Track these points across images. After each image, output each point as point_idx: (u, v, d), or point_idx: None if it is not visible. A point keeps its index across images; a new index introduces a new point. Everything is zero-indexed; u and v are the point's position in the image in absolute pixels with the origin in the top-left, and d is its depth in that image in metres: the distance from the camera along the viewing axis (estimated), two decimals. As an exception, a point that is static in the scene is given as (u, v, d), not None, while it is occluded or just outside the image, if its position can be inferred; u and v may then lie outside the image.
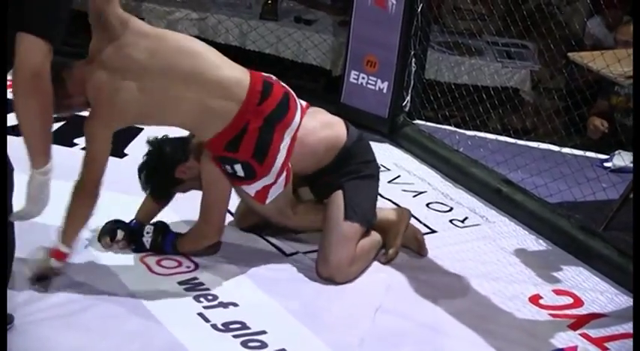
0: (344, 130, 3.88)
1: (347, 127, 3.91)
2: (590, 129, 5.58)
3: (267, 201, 3.76)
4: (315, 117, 3.85)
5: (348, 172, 3.82)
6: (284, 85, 3.79)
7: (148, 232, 3.82)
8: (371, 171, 3.93)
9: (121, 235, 3.82)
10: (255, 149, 3.61)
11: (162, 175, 3.85)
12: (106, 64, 3.49)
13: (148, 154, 3.90)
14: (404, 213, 4.08)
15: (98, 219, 3.94)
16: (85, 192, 3.51)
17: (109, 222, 3.87)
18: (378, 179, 3.99)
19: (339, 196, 3.80)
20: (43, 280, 3.47)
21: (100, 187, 3.53)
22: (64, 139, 4.82)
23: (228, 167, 3.67)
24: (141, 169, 3.90)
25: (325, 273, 3.76)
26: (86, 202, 3.51)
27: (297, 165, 3.76)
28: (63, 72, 3.47)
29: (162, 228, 3.85)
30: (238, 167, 3.65)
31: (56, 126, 4.84)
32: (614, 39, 5.59)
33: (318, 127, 3.82)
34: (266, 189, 3.72)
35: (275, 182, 3.71)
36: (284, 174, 3.71)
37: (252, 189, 3.73)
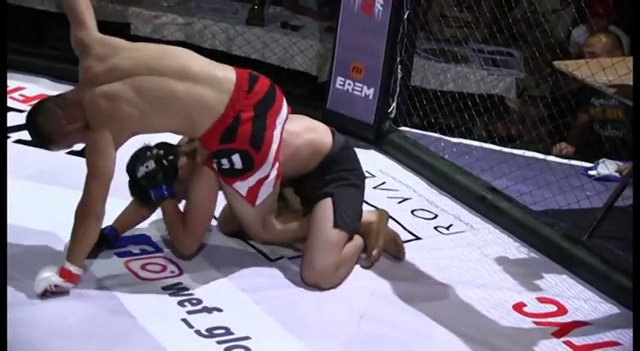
0: (329, 136, 3.90)
1: (332, 133, 3.92)
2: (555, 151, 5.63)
3: (257, 202, 3.73)
4: (298, 121, 3.88)
5: (334, 179, 3.83)
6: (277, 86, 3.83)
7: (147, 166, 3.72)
8: (357, 179, 3.94)
9: None
10: (251, 137, 3.62)
11: (172, 176, 3.79)
12: (97, 80, 3.55)
13: (158, 158, 3.76)
14: (381, 214, 4.11)
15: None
16: (92, 213, 3.51)
17: None
18: (363, 188, 4.00)
19: (327, 204, 3.80)
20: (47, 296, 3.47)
21: (104, 205, 3.54)
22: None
23: (225, 162, 3.64)
24: (153, 176, 3.76)
25: (310, 279, 3.75)
26: (93, 222, 3.51)
27: (283, 168, 3.76)
28: (57, 103, 3.59)
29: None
30: (236, 158, 3.63)
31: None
32: (584, 51, 5.62)
33: (301, 130, 3.84)
34: (258, 185, 3.69)
35: (267, 177, 3.69)
36: (275, 169, 3.70)
37: (245, 185, 3.69)
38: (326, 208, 3.80)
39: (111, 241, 3.83)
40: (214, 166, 3.70)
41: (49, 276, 3.44)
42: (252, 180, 3.70)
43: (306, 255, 3.80)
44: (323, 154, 3.85)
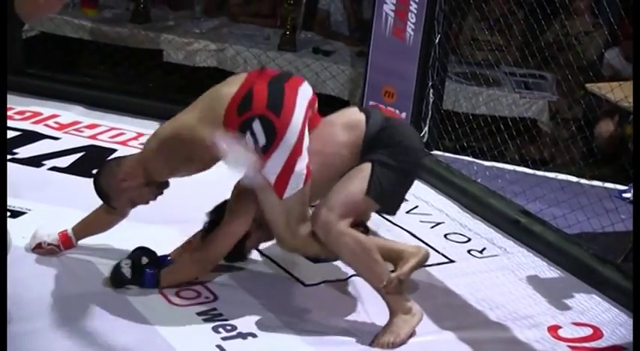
0: (363, 126, 3.73)
1: (367, 117, 3.76)
2: (598, 134, 5.57)
3: (285, 194, 3.59)
4: (333, 122, 3.79)
5: (376, 154, 3.67)
6: None
7: (127, 264, 3.77)
8: (398, 161, 3.67)
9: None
10: (268, 100, 3.56)
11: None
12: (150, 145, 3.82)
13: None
14: (422, 250, 3.91)
15: (112, 247, 3.99)
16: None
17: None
18: (409, 169, 3.77)
19: (365, 166, 3.65)
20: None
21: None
22: (83, 170, 4.84)
23: (249, 136, 3.55)
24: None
25: (312, 221, 3.65)
26: (113, 216, 3.92)
27: (324, 176, 3.66)
28: (118, 162, 3.87)
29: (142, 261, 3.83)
30: (257, 127, 3.53)
31: (76, 157, 4.93)
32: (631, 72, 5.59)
33: (337, 132, 3.74)
34: (287, 173, 3.56)
35: (294, 165, 3.56)
36: (303, 168, 3.58)
37: (274, 170, 3.56)
38: (363, 169, 3.65)
39: (145, 282, 3.80)
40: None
41: (49, 234, 3.94)
42: (279, 162, 3.55)
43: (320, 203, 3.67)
44: (360, 146, 3.71)
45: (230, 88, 3.64)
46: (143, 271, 3.78)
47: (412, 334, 3.62)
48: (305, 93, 3.68)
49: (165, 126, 3.79)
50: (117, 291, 3.72)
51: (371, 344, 3.58)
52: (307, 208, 3.71)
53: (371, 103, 5.40)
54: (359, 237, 3.63)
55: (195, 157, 3.67)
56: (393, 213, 3.92)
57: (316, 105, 3.77)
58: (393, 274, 3.68)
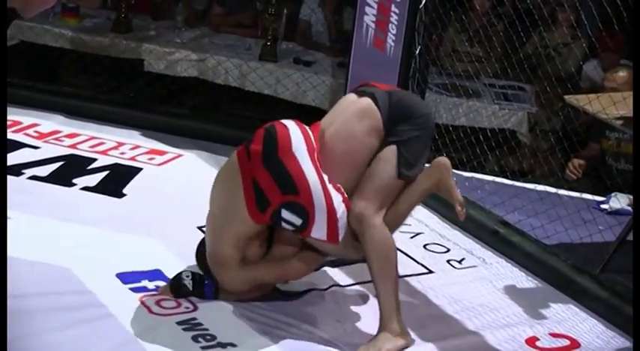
0: (375, 109, 3.72)
1: (374, 100, 3.75)
2: (567, 170, 5.63)
3: (340, 237, 3.64)
4: (342, 117, 3.77)
5: (397, 132, 3.70)
6: (276, 122, 3.75)
7: (187, 276, 3.83)
8: (416, 130, 3.70)
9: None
10: (279, 187, 3.58)
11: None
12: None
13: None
14: (441, 167, 3.77)
15: (95, 258, 3.99)
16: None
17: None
18: (428, 131, 3.78)
19: (390, 151, 3.68)
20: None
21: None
22: (63, 179, 4.84)
23: (285, 224, 3.62)
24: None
25: (351, 215, 3.65)
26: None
27: (357, 172, 3.69)
28: None
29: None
30: (287, 214, 3.59)
31: (55, 166, 4.92)
32: (602, 85, 5.65)
33: (354, 125, 3.72)
34: (333, 225, 3.61)
35: (336, 213, 3.59)
36: (340, 202, 3.61)
37: (321, 232, 3.62)
38: (388, 153, 3.67)
39: (205, 293, 3.83)
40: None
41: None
42: (322, 223, 3.61)
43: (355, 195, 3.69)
44: (381, 129, 3.71)
45: (233, 185, 3.65)
46: (203, 282, 3.81)
47: None
48: (297, 143, 3.62)
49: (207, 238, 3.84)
50: (94, 301, 3.71)
51: None
52: None
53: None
54: (388, 236, 3.66)
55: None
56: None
57: (307, 127, 3.75)
58: (458, 206, 3.74)
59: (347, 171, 3.69)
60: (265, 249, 3.82)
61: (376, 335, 3.64)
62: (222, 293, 3.82)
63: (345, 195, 3.65)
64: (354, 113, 3.74)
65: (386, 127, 3.70)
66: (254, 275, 3.79)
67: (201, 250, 3.89)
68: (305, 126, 3.73)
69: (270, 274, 3.83)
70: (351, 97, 3.85)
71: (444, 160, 3.76)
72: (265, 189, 3.59)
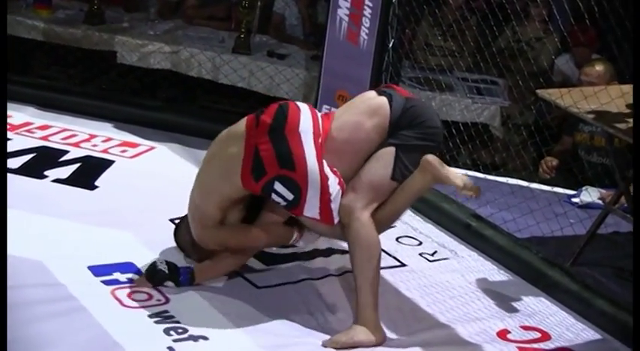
0: (387, 109, 3.77)
1: (390, 100, 3.79)
2: (541, 169, 5.65)
3: (336, 219, 3.70)
4: (355, 109, 3.82)
5: (400, 136, 3.74)
6: (290, 102, 3.83)
7: (162, 262, 3.86)
8: (426, 135, 3.76)
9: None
10: (278, 160, 3.64)
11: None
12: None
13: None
14: (429, 164, 3.74)
15: (66, 250, 3.97)
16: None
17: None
18: (434, 146, 3.81)
19: (389, 150, 3.73)
20: None
21: None
22: (35, 171, 4.82)
23: (275, 197, 3.67)
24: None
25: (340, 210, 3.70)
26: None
27: (356, 164, 3.74)
28: None
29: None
30: (280, 187, 3.64)
31: (27, 158, 4.90)
32: (579, 79, 5.68)
33: (363, 119, 3.76)
34: (326, 205, 3.66)
35: (330, 194, 3.65)
36: (335, 182, 3.66)
37: (313, 210, 3.68)
38: (387, 154, 3.72)
39: (181, 278, 3.86)
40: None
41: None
42: (314, 202, 3.67)
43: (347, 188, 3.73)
44: (386, 129, 3.76)
45: (234, 148, 3.70)
46: (178, 268, 3.84)
47: (364, 348, 3.63)
48: (305, 125, 3.69)
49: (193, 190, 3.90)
50: (66, 293, 3.70)
51: (324, 342, 3.61)
52: None
53: (325, 107, 5.42)
54: (373, 231, 3.69)
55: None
56: None
57: (319, 114, 3.80)
58: (463, 193, 3.82)
59: (346, 159, 3.73)
60: (244, 214, 3.87)
61: (351, 326, 3.66)
62: (199, 274, 3.86)
63: (342, 179, 3.69)
64: (366, 108, 3.81)
65: (391, 127, 3.75)
66: (223, 236, 3.84)
67: (180, 226, 3.98)
68: (317, 112, 3.80)
69: (233, 237, 3.87)
70: (371, 93, 3.92)
71: (431, 158, 3.76)
72: (264, 159, 3.65)
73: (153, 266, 3.84)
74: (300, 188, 3.64)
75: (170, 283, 3.83)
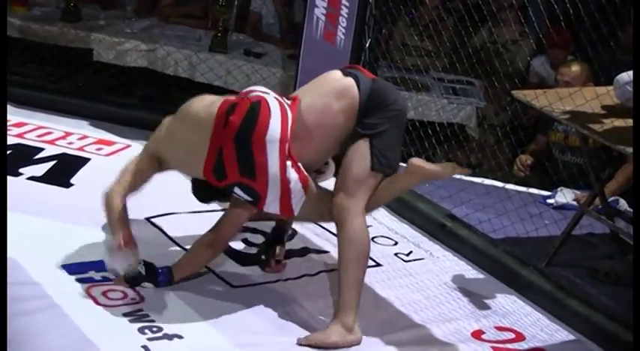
0: (355, 91, 3.74)
1: (357, 82, 3.76)
2: (515, 167, 5.68)
3: (296, 211, 3.70)
4: (322, 90, 3.79)
5: (370, 125, 3.72)
6: (261, 94, 3.75)
7: (140, 263, 3.82)
8: (392, 120, 3.74)
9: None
10: (239, 168, 3.62)
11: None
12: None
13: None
14: (414, 167, 3.84)
15: (41, 248, 3.95)
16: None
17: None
18: (402, 123, 3.83)
19: (364, 145, 3.71)
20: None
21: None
22: (9, 168, 4.79)
23: (235, 194, 3.69)
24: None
25: (334, 212, 3.72)
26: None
27: (324, 147, 3.75)
28: None
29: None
30: (239, 191, 3.66)
31: (49, 165, 4.87)
32: (555, 79, 5.70)
33: (331, 101, 3.73)
34: (286, 198, 3.66)
35: (290, 190, 3.64)
36: (296, 182, 3.64)
37: (273, 204, 3.68)
38: (362, 146, 3.70)
39: (159, 279, 3.84)
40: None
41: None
42: (274, 203, 3.68)
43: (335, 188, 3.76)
44: (356, 110, 3.73)
45: (199, 136, 3.69)
46: (155, 269, 3.82)
47: (340, 348, 3.64)
48: (273, 131, 3.61)
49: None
50: (40, 292, 3.69)
51: (299, 340, 3.62)
52: (321, 192, 3.80)
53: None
54: (366, 230, 3.73)
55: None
56: (396, 171, 3.88)
57: (288, 109, 3.73)
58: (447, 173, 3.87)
59: (314, 143, 3.71)
60: None
61: (329, 325, 3.66)
62: (177, 272, 3.85)
63: (304, 173, 3.66)
64: (334, 90, 3.76)
65: (361, 111, 3.72)
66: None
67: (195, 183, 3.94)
68: (286, 107, 3.70)
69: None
70: (336, 74, 3.85)
71: (416, 161, 3.82)
72: (226, 163, 3.64)
73: (131, 267, 3.82)
74: (259, 195, 3.65)
75: (148, 284, 3.82)
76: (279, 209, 3.69)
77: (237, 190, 3.66)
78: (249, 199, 3.67)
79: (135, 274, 3.80)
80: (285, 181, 3.62)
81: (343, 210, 3.68)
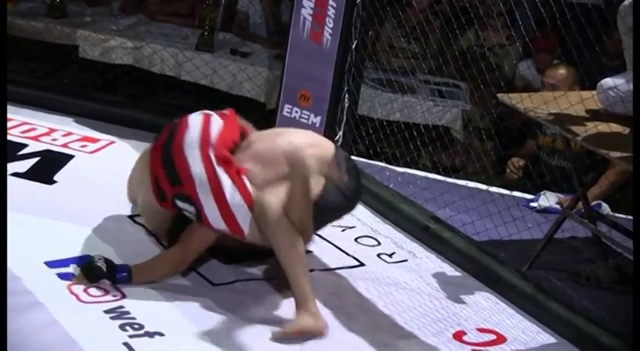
0: (331, 145, 3.95)
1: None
2: (508, 170, 5.69)
3: (246, 231, 3.75)
4: (301, 135, 3.98)
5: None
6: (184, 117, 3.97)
7: (100, 259, 3.79)
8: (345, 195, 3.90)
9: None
10: (168, 179, 3.81)
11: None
12: None
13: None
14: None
15: (23, 244, 3.94)
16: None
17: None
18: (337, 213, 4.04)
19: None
20: None
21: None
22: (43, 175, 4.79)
23: (185, 213, 3.83)
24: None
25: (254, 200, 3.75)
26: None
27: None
28: None
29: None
30: (181, 204, 3.81)
31: (33, 162, 4.84)
32: (541, 82, 5.72)
33: (304, 144, 3.85)
34: (228, 213, 3.71)
35: (227, 205, 3.70)
36: (232, 191, 3.70)
37: (218, 220, 3.74)
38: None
39: (118, 277, 3.81)
40: None
41: None
42: (214, 211, 3.73)
43: None
44: (327, 162, 3.85)
45: (144, 174, 3.94)
46: (115, 266, 3.80)
47: (314, 333, 3.65)
48: (191, 140, 3.81)
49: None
50: (22, 287, 3.67)
51: (273, 334, 3.62)
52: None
53: (286, 106, 5.42)
54: (289, 224, 3.68)
55: None
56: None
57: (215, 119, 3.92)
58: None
59: (270, 168, 3.80)
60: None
61: (296, 317, 3.68)
62: (137, 275, 3.81)
63: (247, 189, 3.72)
64: (311, 137, 3.99)
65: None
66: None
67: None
68: (214, 117, 3.93)
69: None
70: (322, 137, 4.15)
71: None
72: (160, 182, 3.85)
73: (90, 263, 3.77)
74: (193, 200, 3.75)
75: (107, 281, 3.79)
76: (226, 227, 3.75)
77: (179, 203, 3.80)
78: (192, 209, 3.77)
79: (93, 270, 3.75)
80: (214, 183, 3.71)
81: (265, 208, 3.68)
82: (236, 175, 3.74)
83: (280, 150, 3.79)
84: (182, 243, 3.87)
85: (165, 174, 3.82)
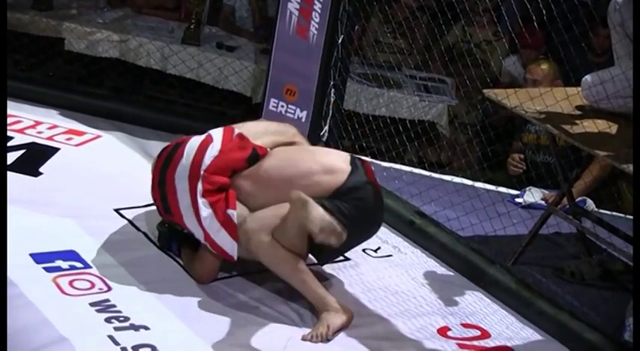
0: (344, 177, 3.83)
1: (351, 171, 3.86)
2: (510, 165, 5.70)
3: (233, 255, 3.83)
4: (320, 160, 3.91)
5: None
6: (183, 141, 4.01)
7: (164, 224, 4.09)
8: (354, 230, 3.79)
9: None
10: (162, 208, 4.00)
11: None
12: None
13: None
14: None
15: (8, 237, 3.93)
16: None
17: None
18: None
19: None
20: None
21: None
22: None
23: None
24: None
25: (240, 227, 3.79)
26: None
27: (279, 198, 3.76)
28: None
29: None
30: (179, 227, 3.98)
31: (18, 154, 4.83)
32: (524, 78, 5.74)
33: (317, 169, 3.84)
34: (212, 242, 3.81)
35: (207, 231, 3.80)
36: (211, 216, 3.79)
37: (205, 241, 3.85)
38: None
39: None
40: None
41: None
42: (203, 239, 3.84)
43: None
44: (330, 191, 3.81)
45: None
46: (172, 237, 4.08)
47: (342, 328, 3.71)
48: (181, 171, 3.88)
49: None
50: (8, 279, 3.67)
51: (304, 336, 3.65)
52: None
53: (272, 100, 5.41)
54: (276, 246, 3.72)
55: None
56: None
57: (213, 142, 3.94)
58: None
59: (272, 191, 3.84)
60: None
61: (320, 318, 3.72)
62: (184, 259, 4.06)
63: (231, 221, 3.77)
64: (326, 164, 3.87)
65: (335, 193, 3.78)
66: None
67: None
68: (215, 145, 3.92)
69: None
70: (342, 154, 4.02)
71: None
72: (158, 206, 4.02)
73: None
74: (181, 225, 3.94)
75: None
76: (217, 253, 3.85)
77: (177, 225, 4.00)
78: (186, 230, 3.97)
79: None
80: (198, 216, 3.82)
81: (251, 236, 3.73)
82: (220, 203, 3.79)
83: (288, 177, 3.82)
84: (195, 265, 3.99)
85: (159, 200, 3.98)
